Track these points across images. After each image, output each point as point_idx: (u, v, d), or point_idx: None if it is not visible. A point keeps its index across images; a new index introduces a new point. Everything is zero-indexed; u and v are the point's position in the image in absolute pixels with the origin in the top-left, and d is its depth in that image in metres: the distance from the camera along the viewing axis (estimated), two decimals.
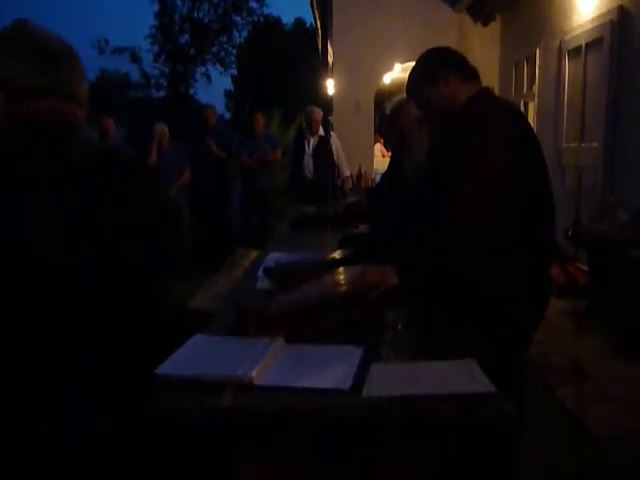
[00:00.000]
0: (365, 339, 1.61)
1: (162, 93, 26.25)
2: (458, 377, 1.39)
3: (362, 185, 7.71)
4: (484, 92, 2.05)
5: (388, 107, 2.99)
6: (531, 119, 6.85)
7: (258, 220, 6.98)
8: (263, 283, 2.34)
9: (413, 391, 1.32)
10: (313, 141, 6.81)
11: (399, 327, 1.52)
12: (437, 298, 1.91)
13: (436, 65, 2.06)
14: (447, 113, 2.06)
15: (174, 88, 25.59)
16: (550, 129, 6.25)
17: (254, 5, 28.06)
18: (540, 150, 2.02)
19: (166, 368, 1.44)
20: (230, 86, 30.72)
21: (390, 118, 2.87)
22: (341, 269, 2.36)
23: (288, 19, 62.78)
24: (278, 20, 29.55)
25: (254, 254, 3.77)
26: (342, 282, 2.01)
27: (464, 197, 1.84)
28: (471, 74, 2.07)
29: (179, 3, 26.05)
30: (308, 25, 26.48)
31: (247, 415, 1.31)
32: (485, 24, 8.30)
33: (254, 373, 1.39)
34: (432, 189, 2.12)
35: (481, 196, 1.83)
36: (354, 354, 1.53)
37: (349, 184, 7.96)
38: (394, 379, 1.39)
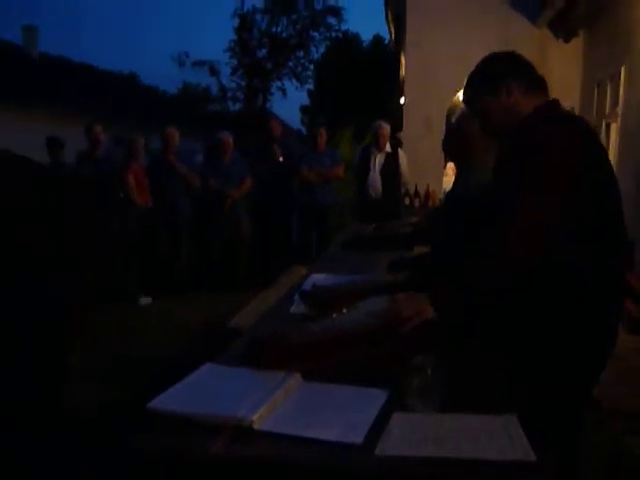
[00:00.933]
0: (392, 380, 1.41)
1: (238, 106, 26.72)
2: (493, 438, 1.17)
3: (429, 204, 7.47)
4: (549, 105, 1.82)
5: (453, 117, 2.77)
6: (613, 141, 6.43)
7: (316, 236, 6.79)
8: (298, 307, 2.18)
9: (436, 453, 1.12)
10: (380, 158, 6.62)
11: (428, 372, 1.32)
12: (476, 335, 1.69)
13: (498, 72, 1.84)
14: (507, 127, 1.84)
15: (250, 101, 25.96)
16: (633, 152, 5.82)
17: (332, 21, 28.14)
18: (611, 173, 1.76)
19: (159, 402, 1.29)
20: (306, 101, 30.98)
21: (454, 129, 2.63)
22: (382, 297, 2.16)
23: (367, 36, 63.03)
24: (356, 36, 29.62)
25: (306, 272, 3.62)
26: (375, 313, 1.81)
27: (516, 219, 1.62)
28: (537, 84, 1.84)
29: (258, 18, 26.56)
30: (387, 42, 26.35)
31: (238, 466, 1.14)
32: (567, 40, 7.90)
33: (255, 416, 1.22)
34: (493, 211, 1.90)
35: (537, 218, 1.60)
36: (376, 400, 1.34)
37: (416, 203, 7.73)
38: (416, 435, 1.18)
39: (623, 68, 6.21)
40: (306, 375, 1.47)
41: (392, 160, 6.64)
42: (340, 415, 1.27)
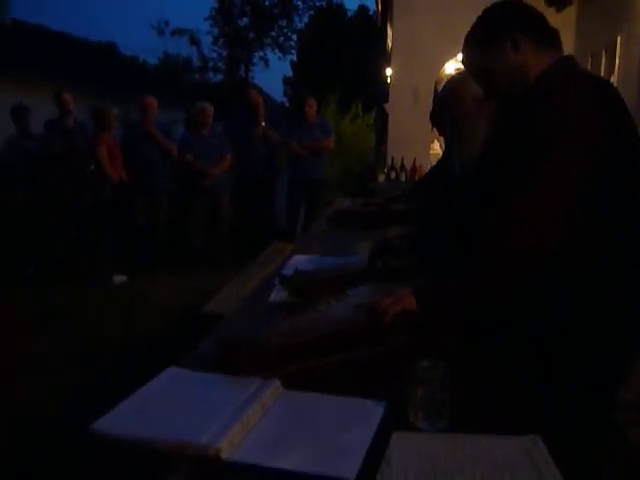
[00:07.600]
0: (390, 389, 1.19)
1: (219, 77, 26.06)
2: (513, 465, 0.95)
3: (416, 179, 7.24)
4: (564, 62, 1.57)
5: (440, 85, 2.50)
6: None
7: (305, 212, 6.45)
8: (278, 294, 1.94)
9: None
10: None
11: (434, 381, 1.09)
12: (480, 336, 1.46)
13: (504, 24, 1.58)
14: (514, 89, 1.59)
15: (232, 72, 25.34)
16: None
17: None
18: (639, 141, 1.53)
19: (105, 423, 1.05)
20: (289, 72, 30.34)
21: (442, 98, 2.37)
22: (369, 286, 1.93)
23: (351, 5, 61.84)
24: (341, 6, 28.96)
25: (290, 249, 3.38)
26: (358, 307, 1.58)
27: (527, 201, 1.38)
28: (550, 39, 1.59)
29: None
30: (372, 12, 25.78)
31: None
32: (559, 9, 7.61)
33: (223, 443, 0.98)
34: (485, 190, 1.66)
35: (551, 201, 1.37)
36: (371, 415, 1.11)
37: (402, 177, 7.50)
38: (421, 465, 0.95)
39: (619, 37, 5.97)
40: (286, 381, 1.24)
41: None
42: (327, 438, 1.03)
